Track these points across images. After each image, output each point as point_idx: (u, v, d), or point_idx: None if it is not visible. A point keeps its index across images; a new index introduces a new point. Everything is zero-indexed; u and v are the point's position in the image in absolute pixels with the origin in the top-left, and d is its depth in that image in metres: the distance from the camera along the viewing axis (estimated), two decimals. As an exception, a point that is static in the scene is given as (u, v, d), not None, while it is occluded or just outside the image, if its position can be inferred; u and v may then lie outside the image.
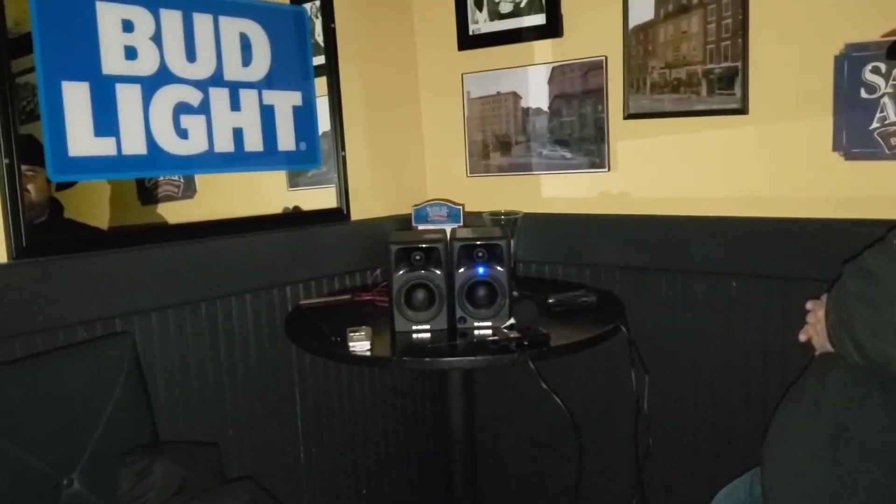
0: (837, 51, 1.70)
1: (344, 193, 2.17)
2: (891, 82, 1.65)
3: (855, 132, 1.70)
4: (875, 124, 1.68)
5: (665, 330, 2.01)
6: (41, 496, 1.35)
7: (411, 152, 2.43)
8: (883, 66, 1.66)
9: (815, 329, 1.38)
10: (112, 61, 1.64)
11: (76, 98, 1.58)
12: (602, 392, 2.12)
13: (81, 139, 1.60)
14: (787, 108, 1.79)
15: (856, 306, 1.12)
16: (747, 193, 1.86)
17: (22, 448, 1.33)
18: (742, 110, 1.83)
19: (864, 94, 1.69)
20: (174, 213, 1.85)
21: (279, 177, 2.09)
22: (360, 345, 1.61)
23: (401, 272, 1.70)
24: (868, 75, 1.68)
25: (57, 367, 1.46)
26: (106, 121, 1.64)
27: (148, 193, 1.84)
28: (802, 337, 1.42)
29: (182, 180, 1.87)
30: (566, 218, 2.18)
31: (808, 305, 1.42)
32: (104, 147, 1.64)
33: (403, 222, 2.23)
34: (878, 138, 1.68)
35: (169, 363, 1.75)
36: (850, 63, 1.69)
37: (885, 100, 1.66)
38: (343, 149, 2.15)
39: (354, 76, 2.18)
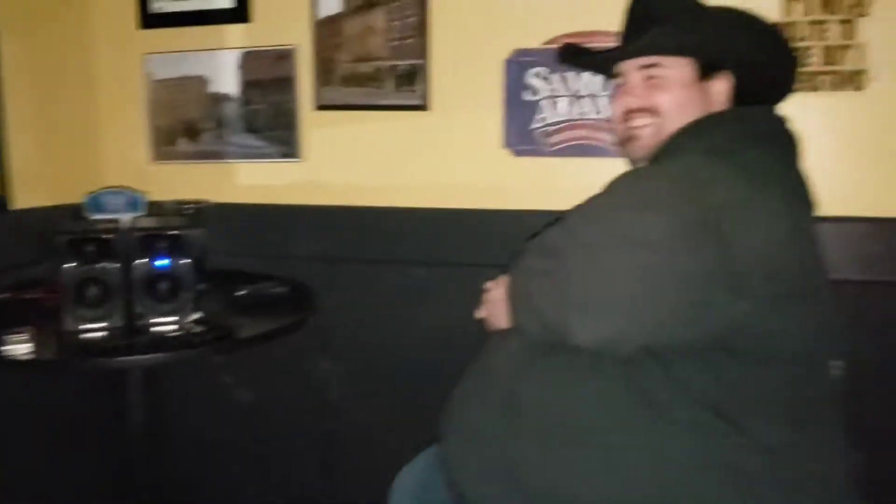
0: (507, 55, 1.85)
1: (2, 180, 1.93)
2: (549, 87, 1.83)
3: (520, 130, 1.87)
4: (536, 124, 1.85)
5: (356, 318, 2.04)
6: None
7: (85, 136, 2.22)
8: (544, 72, 1.83)
9: (491, 307, 1.48)
10: None
11: None
12: (293, 382, 2.10)
13: None
14: (464, 107, 1.90)
15: (536, 280, 1.18)
16: (429, 183, 1.96)
17: None
18: (423, 106, 1.92)
19: (528, 97, 1.85)
20: None
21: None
22: (20, 347, 1.44)
23: (71, 265, 1.56)
24: (531, 79, 1.84)
25: None
26: None
27: None
28: (480, 315, 1.52)
29: None
30: (259, 208, 2.13)
31: (487, 286, 1.51)
32: None
33: (78, 212, 2.03)
34: (539, 136, 1.85)
35: None
36: (517, 67, 1.85)
37: (544, 102, 1.83)
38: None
39: (18, 54, 1.94)
